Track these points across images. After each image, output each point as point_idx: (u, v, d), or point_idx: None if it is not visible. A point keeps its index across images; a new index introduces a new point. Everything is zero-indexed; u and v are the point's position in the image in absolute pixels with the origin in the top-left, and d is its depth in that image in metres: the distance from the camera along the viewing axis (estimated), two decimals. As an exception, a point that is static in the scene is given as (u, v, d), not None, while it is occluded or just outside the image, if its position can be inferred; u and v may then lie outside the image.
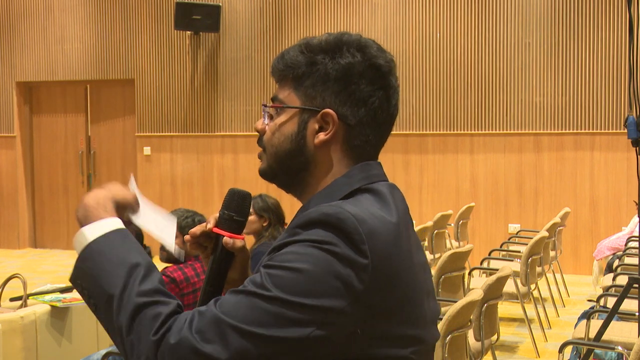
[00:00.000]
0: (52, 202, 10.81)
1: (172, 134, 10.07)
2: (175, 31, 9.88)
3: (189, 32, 9.84)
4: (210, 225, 1.44)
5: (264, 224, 4.65)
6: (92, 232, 1.29)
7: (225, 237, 1.42)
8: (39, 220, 10.87)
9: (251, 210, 4.63)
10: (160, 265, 4.39)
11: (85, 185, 10.69)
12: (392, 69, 1.41)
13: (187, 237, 1.46)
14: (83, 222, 1.32)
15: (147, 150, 10.16)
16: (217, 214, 1.45)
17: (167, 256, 4.28)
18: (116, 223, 1.32)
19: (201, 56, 9.92)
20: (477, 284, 5.39)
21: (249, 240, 4.83)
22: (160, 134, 10.10)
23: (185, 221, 4.28)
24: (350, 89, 1.36)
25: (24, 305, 4.46)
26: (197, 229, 1.44)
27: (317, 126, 1.36)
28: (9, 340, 3.73)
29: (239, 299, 1.18)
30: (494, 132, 8.86)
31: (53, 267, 9.38)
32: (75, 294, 4.53)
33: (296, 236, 1.23)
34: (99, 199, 1.35)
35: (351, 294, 1.18)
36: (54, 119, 10.79)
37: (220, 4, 9.67)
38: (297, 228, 1.24)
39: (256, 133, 1.44)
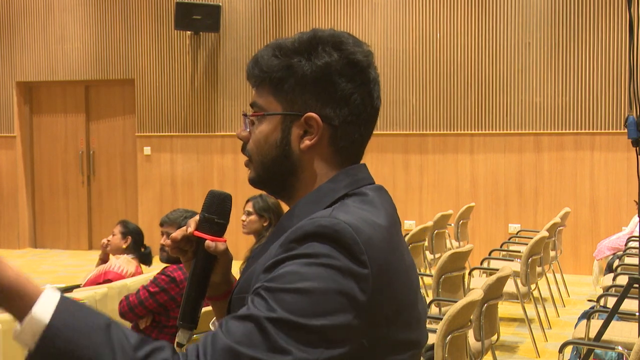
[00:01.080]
0: (52, 202, 10.81)
1: (172, 134, 10.07)
2: (176, 31, 9.88)
3: (189, 32, 9.84)
4: (191, 229, 1.40)
5: (265, 224, 4.66)
6: (42, 311, 1.08)
7: (207, 241, 1.39)
8: (39, 220, 10.87)
9: (252, 210, 4.64)
10: (160, 265, 4.39)
11: (86, 186, 10.70)
12: (371, 62, 1.36)
13: (167, 241, 1.43)
14: (18, 309, 1.10)
15: (147, 150, 10.16)
16: (198, 217, 1.42)
17: (167, 256, 4.28)
18: (54, 292, 1.12)
19: (201, 56, 9.92)
20: (477, 284, 5.39)
21: (249, 240, 4.84)
22: (160, 134, 10.10)
23: (185, 221, 4.27)
24: (330, 89, 1.32)
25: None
26: (177, 234, 1.41)
27: (301, 131, 1.33)
28: (9, 340, 3.73)
29: (247, 326, 1.14)
30: (494, 132, 8.86)
31: (53, 267, 9.38)
32: (75, 294, 4.52)
33: (292, 251, 1.19)
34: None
35: (356, 307, 1.17)
36: (54, 119, 10.80)
37: (221, 4, 9.67)
38: (292, 243, 1.20)
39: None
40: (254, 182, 1.40)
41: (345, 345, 1.16)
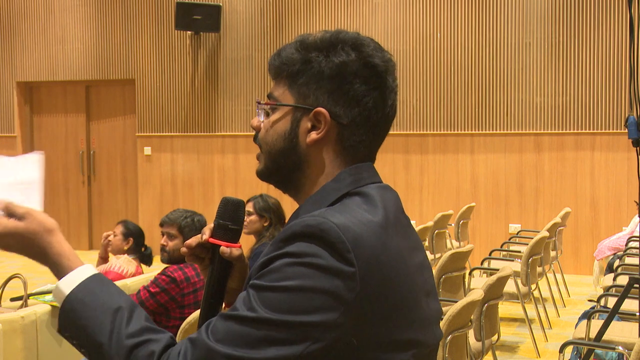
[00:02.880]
0: (52, 202, 10.81)
1: (172, 134, 10.07)
2: (176, 31, 9.88)
3: (189, 32, 9.84)
4: (205, 236, 1.42)
5: (265, 224, 4.67)
6: (68, 283, 1.28)
7: (222, 247, 1.40)
8: (40, 220, 10.86)
9: (252, 210, 4.65)
10: (160, 265, 4.39)
11: (86, 186, 10.70)
12: (389, 69, 1.37)
13: (183, 249, 1.44)
14: (58, 271, 1.31)
15: (147, 150, 10.16)
16: (212, 224, 1.44)
17: (167, 257, 4.28)
18: (89, 269, 1.30)
19: (202, 56, 9.92)
20: (478, 284, 5.39)
21: (250, 240, 4.84)
22: (161, 134, 10.11)
23: (185, 221, 4.28)
24: (343, 88, 1.34)
25: (25, 305, 4.46)
26: (192, 241, 1.43)
27: (309, 125, 1.35)
28: (9, 340, 3.73)
29: (229, 325, 1.18)
30: (494, 132, 8.86)
31: (53, 267, 9.37)
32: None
33: (280, 250, 1.22)
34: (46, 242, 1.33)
35: (342, 305, 1.17)
36: (54, 119, 10.80)
37: (221, 4, 9.67)
38: (281, 242, 1.23)
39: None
40: (262, 174, 1.41)
41: (331, 342, 1.17)
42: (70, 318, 1.25)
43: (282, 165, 1.37)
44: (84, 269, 1.29)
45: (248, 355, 1.15)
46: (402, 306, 1.25)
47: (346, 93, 1.34)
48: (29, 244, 1.32)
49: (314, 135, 1.34)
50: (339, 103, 1.34)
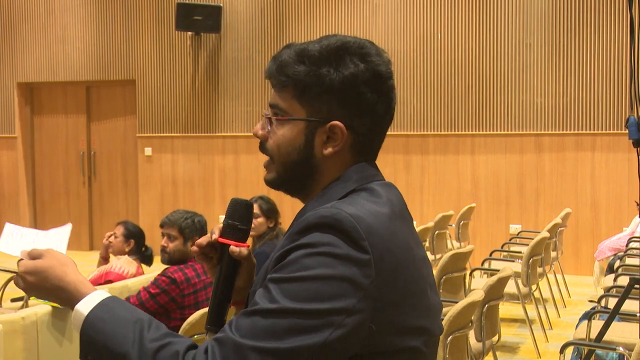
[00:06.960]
0: (53, 203, 10.81)
1: (173, 134, 10.07)
2: (177, 32, 9.88)
3: (190, 33, 9.84)
4: (215, 235, 1.46)
5: (270, 225, 4.70)
6: (85, 306, 1.31)
7: (231, 246, 1.44)
8: (40, 221, 10.87)
9: (259, 212, 4.69)
10: (161, 266, 4.39)
11: (87, 186, 10.70)
12: (391, 72, 1.41)
13: (193, 248, 1.48)
14: (70, 303, 1.34)
15: (148, 150, 10.16)
16: (221, 224, 1.47)
17: (168, 258, 4.28)
18: (104, 293, 1.34)
19: (202, 57, 9.92)
20: (478, 284, 5.39)
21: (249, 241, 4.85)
22: (161, 134, 10.11)
23: (185, 222, 4.28)
24: (355, 99, 1.36)
25: (25, 305, 4.46)
26: (202, 240, 1.46)
27: (324, 137, 1.37)
28: (10, 340, 3.73)
29: (253, 319, 1.20)
30: (495, 132, 8.86)
31: (54, 268, 9.36)
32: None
33: (295, 242, 1.25)
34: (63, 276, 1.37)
35: (359, 291, 1.21)
36: (55, 120, 10.80)
37: (221, 5, 9.67)
38: (296, 234, 1.26)
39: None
40: (274, 183, 1.43)
41: (352, 328, 1.20)
42: (91, 336, 1.27)
43: (297, 174, 1.40)
44: (100, 292, 1.33)
45: (275, 346, 1.17)
46: (413, 294, 1.30)
47: (358, 103, 1.36)
48: (46, 277, 1.36)
49: (330, 148, 1.37)
50: (353, 114, 1.37)
